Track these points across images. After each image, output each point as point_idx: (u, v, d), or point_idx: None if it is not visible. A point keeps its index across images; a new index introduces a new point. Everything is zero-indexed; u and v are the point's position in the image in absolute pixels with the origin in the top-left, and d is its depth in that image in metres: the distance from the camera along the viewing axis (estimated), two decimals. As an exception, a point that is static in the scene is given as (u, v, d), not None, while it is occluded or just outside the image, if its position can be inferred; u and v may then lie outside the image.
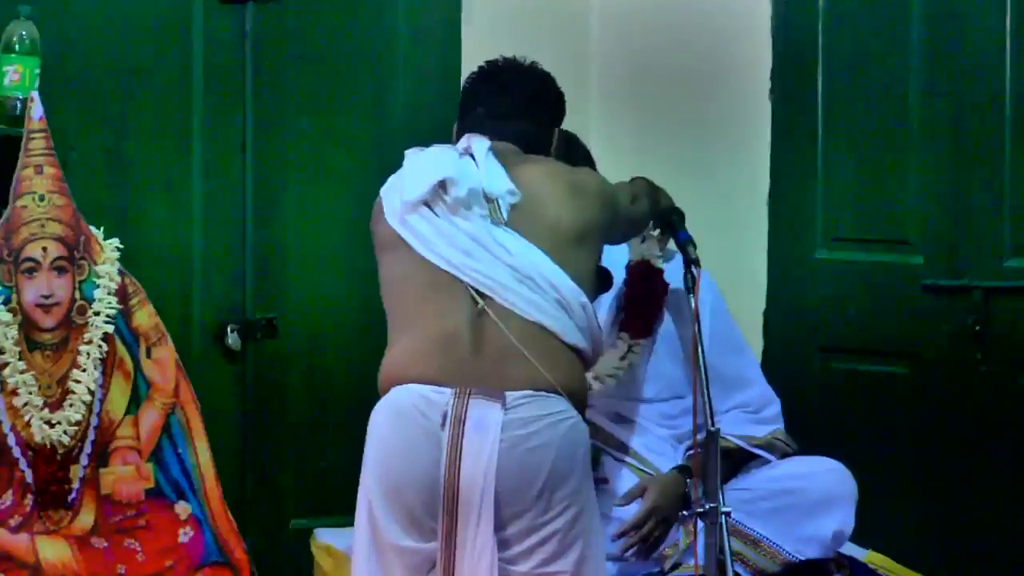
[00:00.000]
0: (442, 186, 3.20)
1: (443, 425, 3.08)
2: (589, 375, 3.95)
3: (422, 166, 3.27)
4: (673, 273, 4.04)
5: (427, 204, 3.22)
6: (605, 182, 3.42)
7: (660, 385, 3.93)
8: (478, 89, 3.50)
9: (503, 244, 3.18)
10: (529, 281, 3.15)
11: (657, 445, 3.98)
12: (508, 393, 3.09)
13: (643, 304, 3.93)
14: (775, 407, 4.07)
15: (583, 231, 3.26)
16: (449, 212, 3.20)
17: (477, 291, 3.15)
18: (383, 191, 3.32)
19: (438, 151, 3.32)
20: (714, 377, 3.99)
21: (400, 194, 3.25)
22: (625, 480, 3.92)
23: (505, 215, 3.20)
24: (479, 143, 3.30)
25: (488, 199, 3.21)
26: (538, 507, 3.08)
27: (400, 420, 3.13)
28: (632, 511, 3.79)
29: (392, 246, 3.25)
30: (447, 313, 3.16)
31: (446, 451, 3.06)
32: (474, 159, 3.29)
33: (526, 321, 3.14)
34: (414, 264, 3.20)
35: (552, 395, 3.13)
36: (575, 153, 3.76)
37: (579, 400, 3.21)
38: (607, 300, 3.99)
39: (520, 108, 3.44)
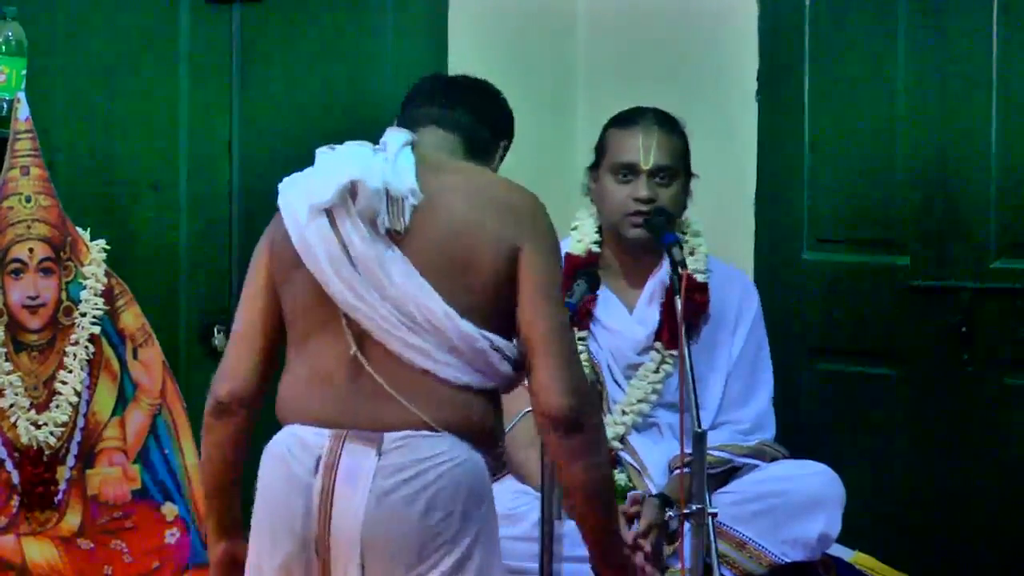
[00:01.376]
0: (352, 192, 2.91)
1: (315, 471, 2.87)
2: (628, 400, 3.99)
3: (332, 166, 2.98)
4: (717, 286, 4.06)
5: (330, 213, 2.92)
6: (537, 212, 3.01)
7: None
8: (422, 86, 3.30)
9: (389, 274, 2.87)
10: (411, 323, 2.86)
11: (662, 459, 3.99)
12: (386, 435, 2.85)
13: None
14: (767, 435, 4.08)
15: (482, 248, 2.90)
16: (349, 225, 2.90)
17: (359, 327, 2.88)
18: (282, 194, 3.04)
19: (350, 148, 3.04)
20: (726, 386, 4.03)
21: (307, 197, 2.95)
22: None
23: (407, 219, 2.90)
24: (395, 136, 3.06)
25: (391, 198, 2.91)
26: (410, 559, 2.84)
27: (275, 465, 2.94)
28: None
29: (290, 263, 2.97)
30: (328, 346, 2.92)
31: (317, 501, 2.86)
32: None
33: (405, 365, 2.87)
34: (305, 287, 2.93)
35: (434, 435, 2.86)
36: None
37: (477, 435, 2.92)
38: (655, 313, 4.01)
39: (463, 98, 3.20)
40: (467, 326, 2.86)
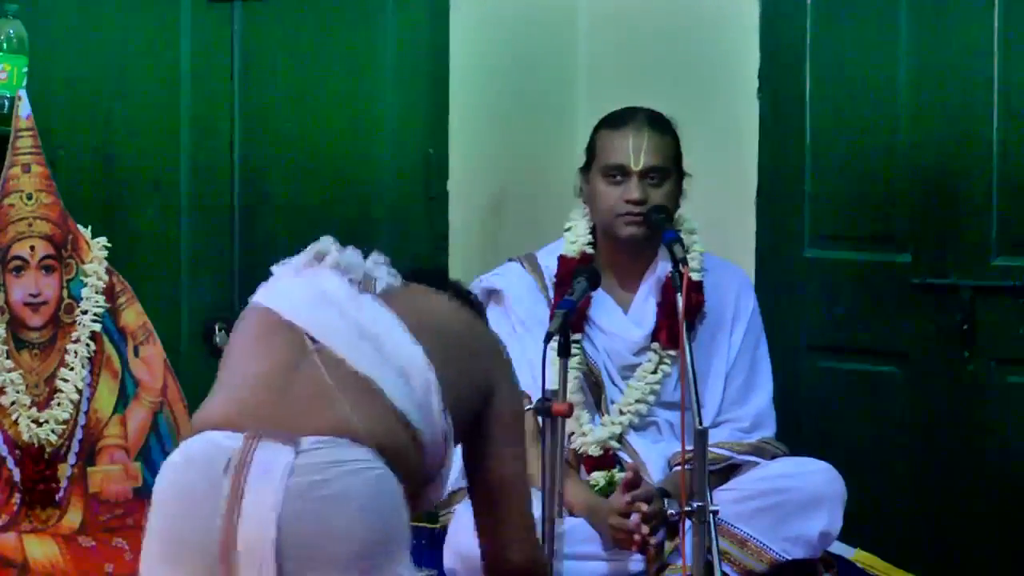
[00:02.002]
0: (319, 257, 2.94)
1: (226, 470, 2.65)
2: (628, 401, 4.00)
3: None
4: (713, 284, 4.05)
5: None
6: (507, 353, 3.03)
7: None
8: None
9: (360, 305, 2.85)
10: (374, 339, 2.79)
11: (661, 458, 3.99)
12: (305, 438, 2.67)
13: (675, 315, 3.90)
14: (768, 432, 4.08)
15: (453, 342, 2.89)
16: (320, 273, 2.92)
17: (311, 337, 2.80)
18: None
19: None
20: (725, 385, 4.03)
21: (278, 268, 2.98)
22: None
23: (380, 288, 2.90)
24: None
25: (367, 276, 2.92)
26: (335, 567, 2.63)
27: (181, 470, 2.74)
28: None
29: (243, 316, 2.95)
30: (265, 356, 2.81)
31: (226, 500, 2.63)
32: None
33: (353, 371, 2.76)
34: (252, 318, 2.90)
35: (357, 445, 2.68)
36: None
37: (397, 460, 2.74)
38: (651, 313, 4.01)
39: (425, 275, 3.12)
40: (425, 361, 2.81)
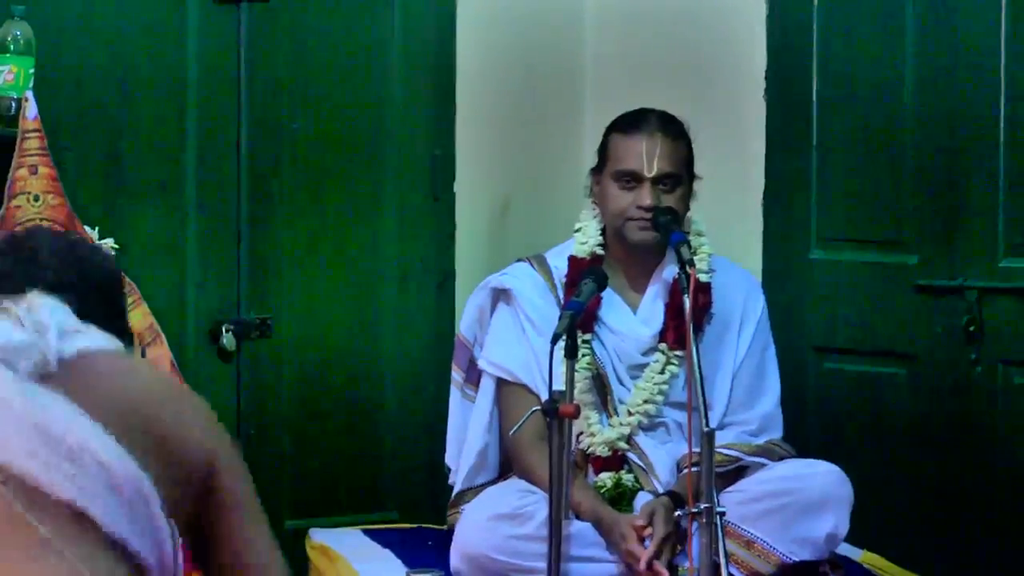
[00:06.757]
0: None
1: None
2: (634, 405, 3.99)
3: None
4: (721, 286, 4.05)
5: None
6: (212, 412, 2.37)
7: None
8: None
9: (36, 401, 2.09)
10: (62, 448, 2.06)
11: (668, 458, 3.99)
12: None
13: (683, 316, 3.89)
14: (775, 434, 4.07)
15: (153, 425, 2.22)
16: None
17: None
18: None
19: None
20: (732, 387, 4.03)
21: None
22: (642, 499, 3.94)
23: (55, 364, 2.17)
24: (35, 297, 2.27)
25: (40, 352, 2.17)
26: None
27: None
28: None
29: None
30: None
31: None
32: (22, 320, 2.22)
33: (49, 499, 2.04)
34: None
35: None
36: None
37: None
38: (659, 313, 4.00)
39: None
40: (135, 467, 2.13)
